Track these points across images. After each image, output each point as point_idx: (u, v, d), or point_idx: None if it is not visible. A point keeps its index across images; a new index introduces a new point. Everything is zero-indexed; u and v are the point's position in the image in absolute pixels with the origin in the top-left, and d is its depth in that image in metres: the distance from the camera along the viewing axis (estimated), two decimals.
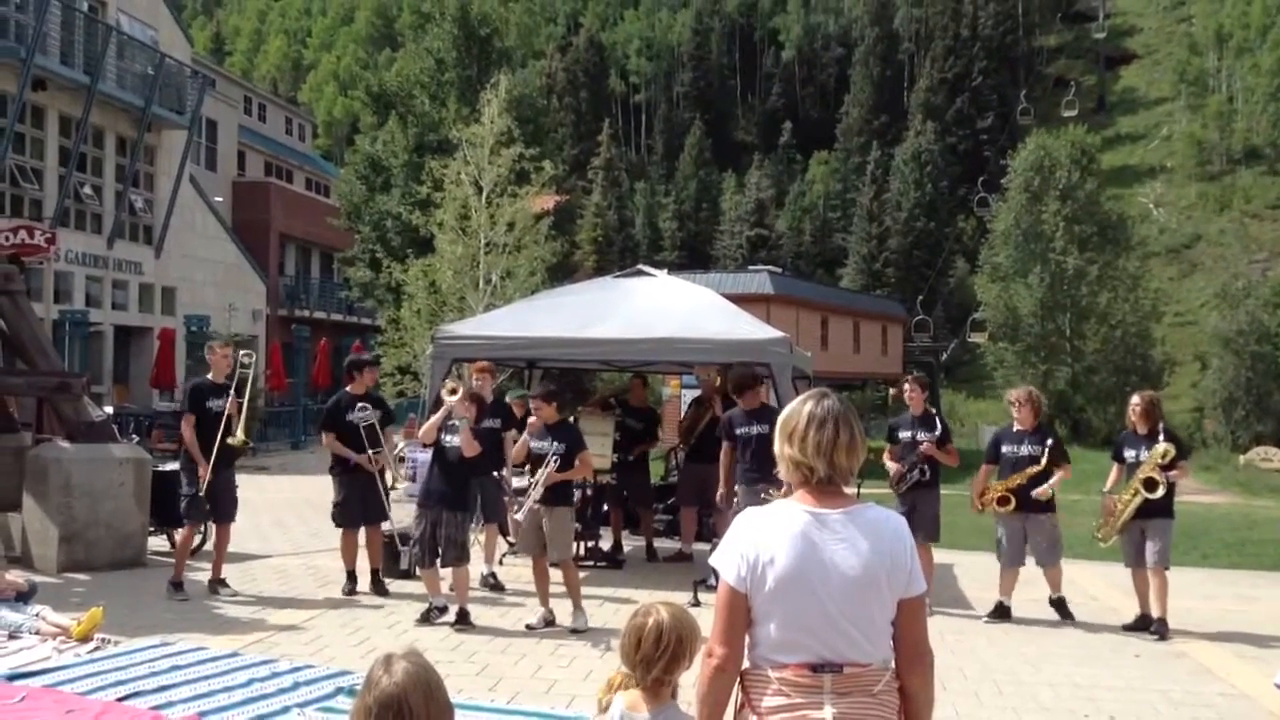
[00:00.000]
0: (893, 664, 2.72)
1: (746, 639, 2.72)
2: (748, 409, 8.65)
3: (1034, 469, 8.07)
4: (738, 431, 8.56)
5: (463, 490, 7.63)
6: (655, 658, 3.08)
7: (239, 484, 8.82)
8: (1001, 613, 8.31)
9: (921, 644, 2.74)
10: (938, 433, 8.47)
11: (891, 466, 8.63)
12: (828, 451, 2.71)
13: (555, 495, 7.60)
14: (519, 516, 7.57)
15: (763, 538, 2.68)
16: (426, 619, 7.56)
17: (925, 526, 8.46)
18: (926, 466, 8.45)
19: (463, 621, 7.48)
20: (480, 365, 9.38)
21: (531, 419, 7.82)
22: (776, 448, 2.83)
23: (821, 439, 2.72)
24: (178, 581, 8.30)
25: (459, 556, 7.50)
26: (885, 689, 2.65)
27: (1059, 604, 8.28)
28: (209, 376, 8.57)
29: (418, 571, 7.90)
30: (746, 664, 2.72)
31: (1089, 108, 79.69)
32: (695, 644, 3.13)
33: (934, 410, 8.86)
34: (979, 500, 8.38)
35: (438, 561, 7.52)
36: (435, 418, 7.58)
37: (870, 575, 2.64)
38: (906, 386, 8.76)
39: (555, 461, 7.47)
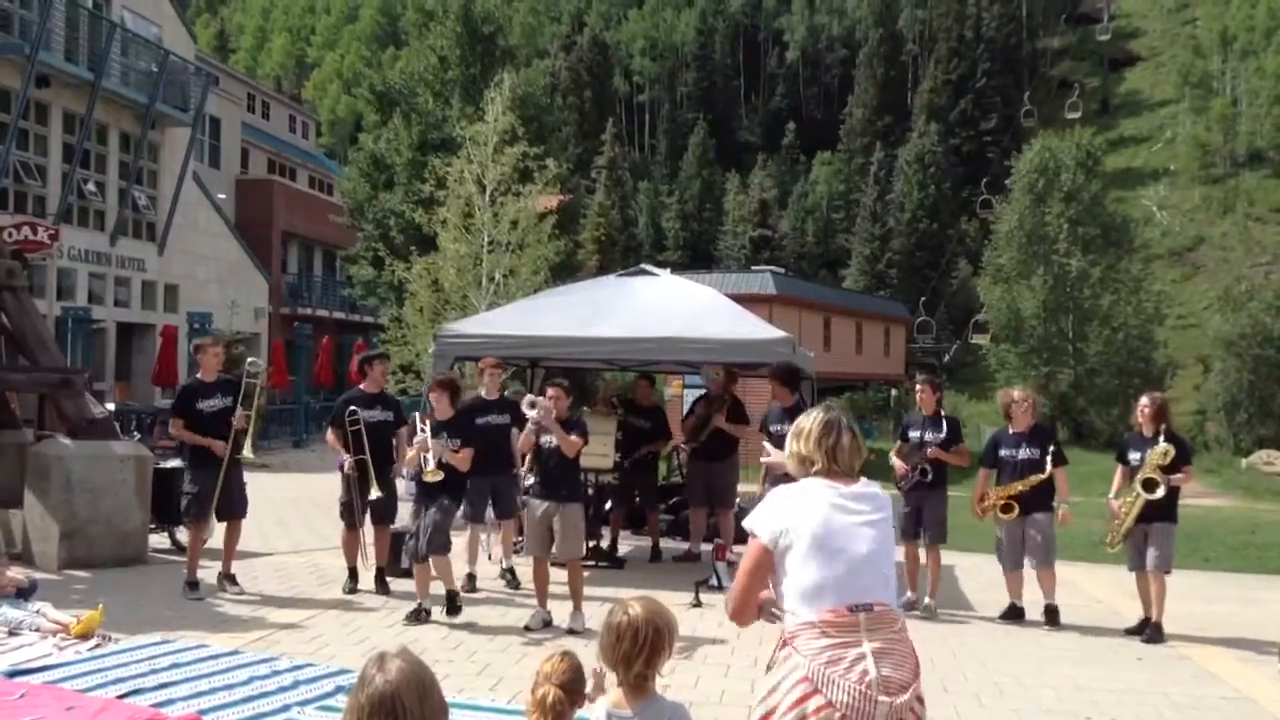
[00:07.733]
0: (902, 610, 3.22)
1: (784, 593, 3.17)
2: (785, 406, 8.70)
3: (1037, 476, 8.03)
4: (771, 428, 8.60)
5: (460, 482, 7.67)
6: (634, 654, 3.07)
7: None
8: (1015, 614, 8.29)
9: None
10: (943, 434, 8.41)
11: (897, 464, 8.61)
12: (830, 449, 3.29)
13: (567, 491, 7.57)
14: (536, 414, 7.37)
15: (796, 506, 3.20)
16: (416, 618, 7.52)
17: (932, 529, 8.43)
18: (929, 467, 8.40)
19: (452, 604, 7.50)
20: (487, 362, 9.32)
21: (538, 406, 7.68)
22: (788, 446, 3.41)
23: (825, 440, 3.31)
24: (193, 581, 8.31)
25: (444, 545, 7.46)
26: (902, 628, 3.15)
27: (1050, 612, 8.17)
28: (199, 376, 8.55)
29: (412, 566, 7.79)
30: (787, 613, 3.15)
31: (1093, 110, 79.59)
32: (672, 637, 3.13)
33: (944, 411, 8.76)
34: (979, 506, 8.34)
35: (432, 554, 7.44)
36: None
37: (882, 534, 3.23)
38: (918, 387, 8.77)
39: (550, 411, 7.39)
